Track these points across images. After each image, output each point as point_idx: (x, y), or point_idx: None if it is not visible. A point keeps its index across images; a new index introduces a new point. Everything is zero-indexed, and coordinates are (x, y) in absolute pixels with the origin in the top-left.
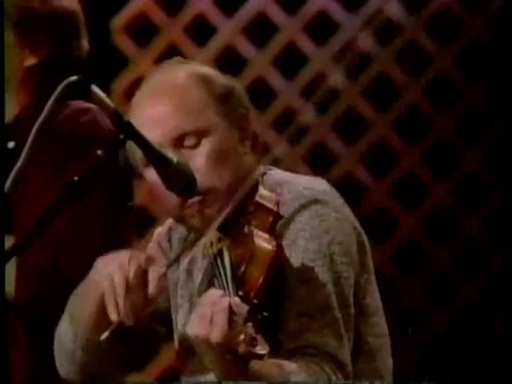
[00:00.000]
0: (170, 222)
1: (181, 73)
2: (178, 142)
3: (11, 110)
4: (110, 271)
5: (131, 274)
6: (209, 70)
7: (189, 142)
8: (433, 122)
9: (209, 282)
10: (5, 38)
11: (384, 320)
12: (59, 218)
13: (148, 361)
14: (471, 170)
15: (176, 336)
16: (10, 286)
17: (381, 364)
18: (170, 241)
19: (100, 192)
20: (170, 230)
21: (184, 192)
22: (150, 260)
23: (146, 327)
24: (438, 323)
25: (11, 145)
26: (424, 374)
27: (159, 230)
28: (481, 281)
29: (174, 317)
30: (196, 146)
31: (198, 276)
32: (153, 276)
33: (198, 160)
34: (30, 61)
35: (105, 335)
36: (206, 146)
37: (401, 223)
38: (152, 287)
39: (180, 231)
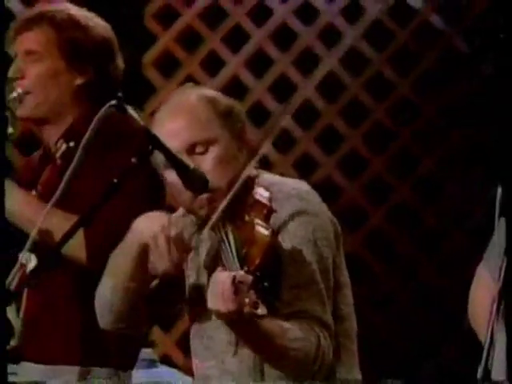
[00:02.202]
0: (179, 212)
1: (192, 95)
2: (191, 150)
3: (67, 120)
4: (155, 231)
5: (173, 233)
6: (214, 93)
7: (199, 149)
8: (394, 136)
9: (212, 258)
10: (53, 63)
11: (351, 292)
12: (105, 204)
13: (173, 321)
14: (426, 174)
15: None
16: None
17: (349, 326)
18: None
19: (134, 189)
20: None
21: (198, 190)
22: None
23: (179, 282)
24: (403, 297)
25: (10, 130)
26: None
27: (175, 214)
28: (436, 259)
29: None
30: (204, 152)
31: (203, 253)
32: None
33: (206, 164)
34: (79, 80)
35: (154, 283)
36: (213, 152)
37: (370, 216)
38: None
39: (186, 222)
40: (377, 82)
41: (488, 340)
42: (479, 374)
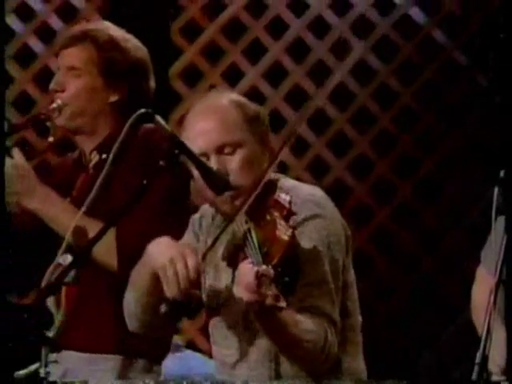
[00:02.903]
0: (201, 211)
1: (222, 99)
2: (220, 150)
3: (101, 133)
4: (173, 257)
5: (191, 264)
6: (243, 98)
7: (227, 150)
8: (397, 141)
9: (230, 251)
10: (91, 80)
11: (356, 290)
12: (135, 205)
13: (196, 313)
14: (426, 175)
15: (203, 294)
16: None
17: (354, 321)
18: (200, 225)
19: (161, 190)
20: (201, 217)
21: (219, 190)
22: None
23: (193, 298)
24: (404, 288)
25: (50, 139)
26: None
27: (193, 216)
28: (435, 254)
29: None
30: (232, 153)
31: (220, 249)
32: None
33: (233, 164)
34: (114, 97)
35: (163, 309)
36: (239, 154)
37: (375, 214)
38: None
39: (207, 218)
40: (383, 91)
41: (486, 328)
42: (477, 359)
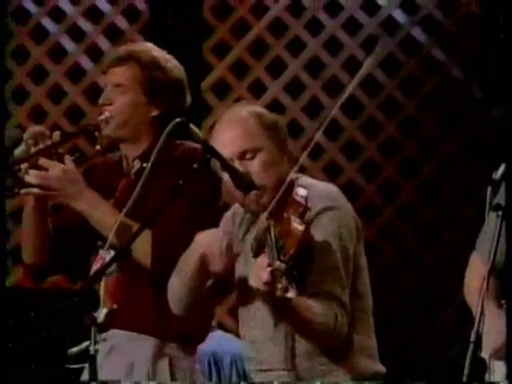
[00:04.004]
0: (233, 208)
1: (243, 111)
2: (242, 156)
3: (143, 143)
4: (210, 242)
5: (223, 244)
6: (261, 109)
7: (248, 155)
8: (402, 146)
9: (257, 243)
10: (135, 96)
11: (368, 274)
12: (170, 204)
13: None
14: (428, 177)
15: (235, 280)
16: None
17: (366, 303)
18: (234, 222)
19: (194, 193)
20: (234, 214)
21: (245, 189)
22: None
23: (229, 279)
24: (406, 281)
25: (97, 147)
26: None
27: (226, 214)
28: (433, 251)
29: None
30: (253, 158)
31: (249, 242)
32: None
33: (254, 167)
34: (154, 112)
35: (209, 283)
36: (260, 158)
37: (382, 211)
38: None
39: (240, 215)
40: (388, 102)
41: (479, 310)
42: (472, 338)
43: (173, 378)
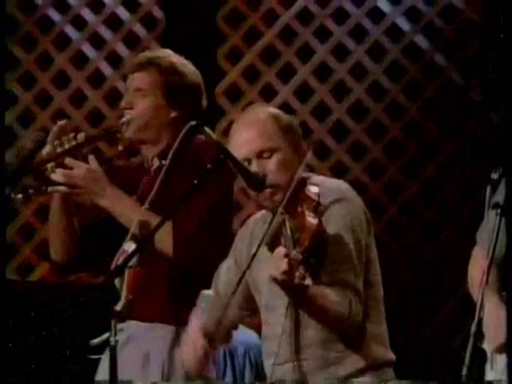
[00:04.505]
0: (261, 213)
1: (260, 112)
2: (259, 155)
3: (162, 143)
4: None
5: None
6: (278, 111)
7: (265, 155)
8: (405, 147)
9: (272, 237)
10: (155, 100)
11: (378, 265)
12: (187, 202)
13: None
14: (429, 177)
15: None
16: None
17: (376, 291)
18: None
19: (210, 190)
20: (262, 216)
21: (256, 189)
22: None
23: None
24: (405, 275)
25: (120, 148)
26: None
27: (255, 216)
28: (435, 243)
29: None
30: (269, 157)
31: (260, 235)
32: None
33: (270, 166)
34: (173, 114)
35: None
36: (276, 158)
37: (387, 209)
38: None
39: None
40: (393, 106)
41: (479, 302)
42: (472, 329)
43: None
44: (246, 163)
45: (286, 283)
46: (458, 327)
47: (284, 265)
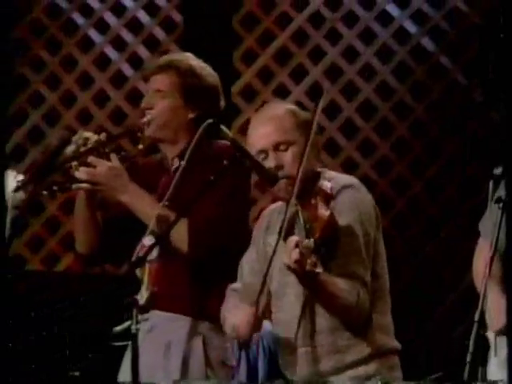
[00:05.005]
0: (276, 205)
1: (280, 108)
2: (276, 148)
3: (181, 143)
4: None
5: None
6: (295, 107)
7: (281, 147)
8: (412, 146)
9: (288, 226)
10: (174, 101)
11: (385, 258)
12: (203, 196)
13: None
14: (434, 175)
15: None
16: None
17: (383, 283)
18: (267, 225)
19: (226, 186)
20: (277, 207)
21: (270, 183)
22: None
23: None
24: (407, 271)
25: (140, 146)
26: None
27: (270, 207)
28: (437, 237)
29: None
30: (286, 150)
31: (277, 226)
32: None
33: (286, 159)
34: (191, 115)
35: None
36: (291, 151)
37: (395, 204)
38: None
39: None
40: (400, 106)
41: (482, 292)
42: (476, 317)
43: (206, 355)
44: (262, 155)
45: (298, 270)
46: (459, 320)
47: (296, 253)
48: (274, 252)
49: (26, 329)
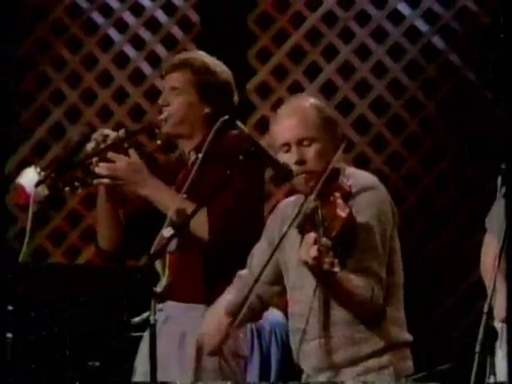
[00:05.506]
0: (292, 198)
1: (305, 102)
2: (299, 142)
3: (197, 137)
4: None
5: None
6: (321, 103)
7: (305, 143)
8: (422, 142)
9: (304, 224)
10: (189, 97)
11: (400, 254)
12: (221, 190)
13: None
14: (444, 170)
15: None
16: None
17: (397, 279)
18: (282, 216)
19: (242, 179)
20: (293, 200)
21: (285, 179)
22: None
23: None
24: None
25: (158, 142)
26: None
27: (285, 200)
28: (444, 234)
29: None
30: (309, 145)
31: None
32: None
33: (309, 154)
34: (206, 110)
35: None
36: (314, 147)
37: (407, 198)
38: None
39: (290, 208)
40: (411, 102)
41: (492, 285)
42: (485, 308)
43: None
44: (285, 148)
45: (315, 268)
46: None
47: (314, 251)
48: (279, 243)
49: (26, 329)
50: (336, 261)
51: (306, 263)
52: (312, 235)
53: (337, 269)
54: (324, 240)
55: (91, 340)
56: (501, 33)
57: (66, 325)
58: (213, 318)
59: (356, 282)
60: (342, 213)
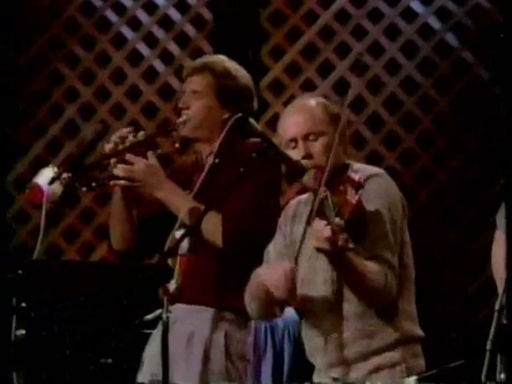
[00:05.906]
0: (303, 196)
1: (312, 100)
2: (306, 137)
3: (215, 142)
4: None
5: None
6: (326, 101)
7: (311, 137)
8: (436, 139)
9: (315, 213)
10: (209, 101)
11: (411, 248)
12: (234, 190)
13: None
14: (457, 167)
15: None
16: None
17: (409, 272)
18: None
19: (256, 177)
20: (304, 198)
21: (296, 175)
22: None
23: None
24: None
25: (176, 145)
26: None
27: (295, 199)
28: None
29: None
30: (315, 140)
31: (307, 211)
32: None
33: (316, 149)
34: (226, 115)
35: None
36: (321, 141)
37: (418, 195)
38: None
39: (301, 205)
40: (424, 99)
41: (504, 281)
42: (497, 306)
43: (226, 347)
44: (292, 144)
45: (329, 249)
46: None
47: (328, 231)
48: (303, 238)
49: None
50: (349, 239)
51: (318, 249)
52: (321, 222)
53: (351, 245)
54: (337, 220)
55: (103, 337)
56: (501, 33)
57: (77, 323)
58: (271, 270)
59: (369, 267)
60: (352, 198)
